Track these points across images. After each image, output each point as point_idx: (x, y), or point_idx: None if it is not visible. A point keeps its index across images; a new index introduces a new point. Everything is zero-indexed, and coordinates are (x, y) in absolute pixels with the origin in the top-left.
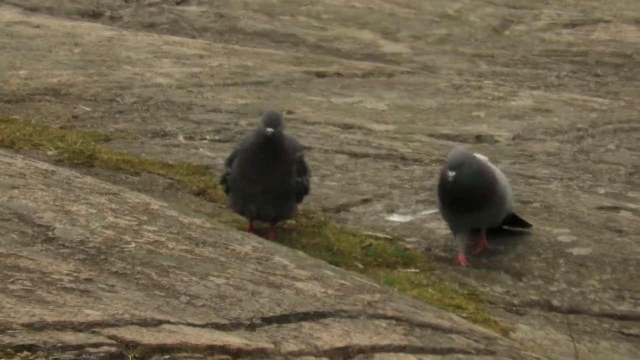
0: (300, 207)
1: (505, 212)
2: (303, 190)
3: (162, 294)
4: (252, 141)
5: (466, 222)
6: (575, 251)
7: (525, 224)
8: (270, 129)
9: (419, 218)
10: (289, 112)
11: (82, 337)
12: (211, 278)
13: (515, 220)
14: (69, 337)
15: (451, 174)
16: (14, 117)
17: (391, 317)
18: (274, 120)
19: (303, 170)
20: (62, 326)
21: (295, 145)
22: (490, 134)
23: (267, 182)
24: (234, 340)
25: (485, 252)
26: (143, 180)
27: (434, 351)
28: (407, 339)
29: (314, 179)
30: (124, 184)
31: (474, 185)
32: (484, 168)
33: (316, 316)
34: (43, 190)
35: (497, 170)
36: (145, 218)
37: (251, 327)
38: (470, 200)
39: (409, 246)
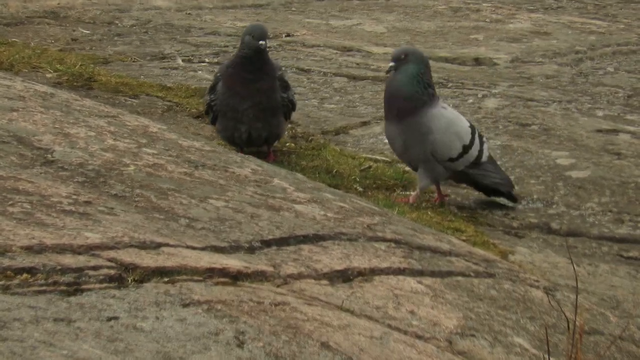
0: (299, 129)
1: (438, 166)
2: (290, 106)
3: (162, 216)
4: (238, 57)
5: (398, 144)
6: (574, 174)
7: (512, 198)
8: (262, 42)
9: None
10: (288, 35)
11: (81, 260)
12: (210, 201)
13: (499, 193)
14: (68, 260)
15: (390, 64)
16: (13, 39)
17: (390, 240)
18: (263, 33)
19: (286, 86)
20: (61, 249)
21: (276, 63)
22: (488, 57)
23: (254, 97)
24: (234, 262)
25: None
26: (142, 102)
27: (433, 274)
28: (406, 261)
29: (312, 102)
30: (122, 107)
31: (402, 87)
32: (424, 79)
33: (315, 239)
34: (42, 113)
35: (452, 122)
36: (144, 141)
37: (250, 249)
38: (392, 103)
39: (407, 169)
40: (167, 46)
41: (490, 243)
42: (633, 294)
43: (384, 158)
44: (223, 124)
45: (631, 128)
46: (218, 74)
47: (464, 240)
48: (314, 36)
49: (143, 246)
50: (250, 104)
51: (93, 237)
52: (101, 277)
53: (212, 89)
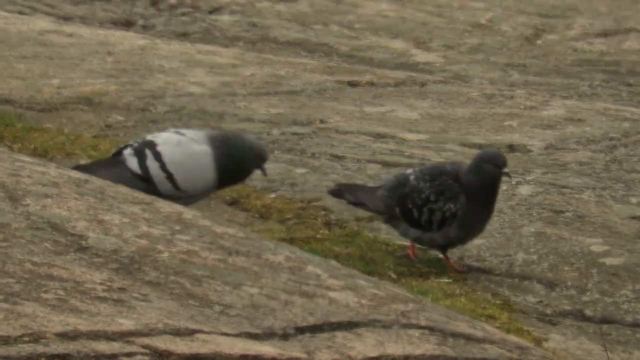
0: (332, 216)
1: None
2: None
3: (196, 303)
4: (482, 182)
5: None
6: (608, 261)
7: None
8: (506, 170)
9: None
10: (322, 122)
11: (115, 347)
12: (244, 287)
13: None
14: (103, 347)
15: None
16: (47, 125)
17: (424, 327)
18: (504, 159)
19: None
20: (95, 335)
21: None
22: (522, 144)
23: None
24: (268, 349)
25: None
26: None
27: None
28: (440, 348)
29: None
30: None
31: None
32: None
33: (349, 326)
34: (76, 199)
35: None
36: (178, 227)
37: (284, 336)
38: None
39: (441, 255)
40: None
41: (524, 330)
42: None
43: (417, 245)
44: (454, 233)
45: None
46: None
47: (497, 327)
48: (347, 123)
49: (177, 333)
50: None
51: (127, 323)
52: None
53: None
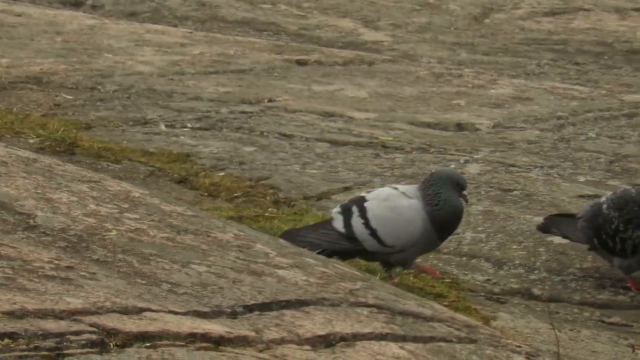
0: (281, 194)
1: None
2: None
3: (144, 281)
4: None
5: None
6: (556, 239)
7: None
8: None
9: None
10: (270, 100)
11: (63, 325)
12: (193, 266)
13: None
14: (50, 325)
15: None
16: None
17: (373, 306)
18: None
19: None
20: (43, 314)
21: None
22: (470, 122)
23: None
24: (216, 328)
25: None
26: (124, 168)
27: (415, 339)
28: (389, 327)
29: (295, 167)
30: (105, 172)
31: None
32: None
33: (298, 304)
34: (24, 178)
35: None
36: (126, 206)
37: (233, 315)
38: None
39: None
40: (150, 111)
41: (472, 309)
42: (614, 359)
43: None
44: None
45: None
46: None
47: (446, 306)
48: (296, 101)
49: (125, 311)
50: None
51: (75, 302)
52: (83, 342)
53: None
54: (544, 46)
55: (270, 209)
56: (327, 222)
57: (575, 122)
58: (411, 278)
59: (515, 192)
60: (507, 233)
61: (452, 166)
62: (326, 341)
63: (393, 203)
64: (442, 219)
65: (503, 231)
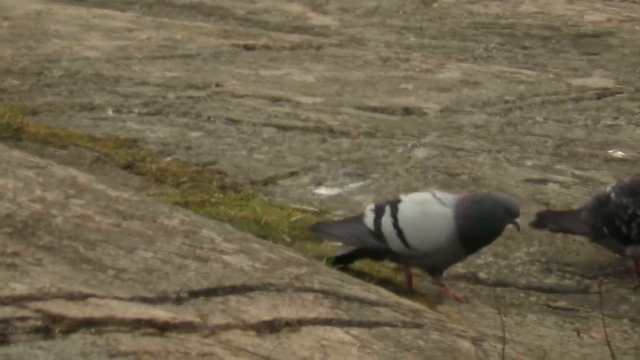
0: (227, 180)
1: None
2: None
3: (89, 267)
4: None
5: None
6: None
7: None
8: None
9: (346, 191)
10: (217, 85)
11: (8, 311)
12: (138, 252)
13: None
14: None
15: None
16: None
17: (318, 291)
18: None
19: None
20: None
21: None
22: (418, 107)
23: None
24: (161, 313)
25: None
26: (70, 153)
27: (361, 324)
28: (334, 312)
29: (241, 152)
30: (51, 158)
31: None
32: None
33: (243, 290)
34: None
35: None
36: (72, 191)
37: (178, 300)
38: None
39: (336, 219)
40: (97, 97)
41: (417, 293)
42: (560, 344)
43: (312, 208)
44: None
45: (560, 178)
46: None
47: (391, 291)
48: (243, 86)
49: (70, 297)
50: None
51: (20, 288)
52: (28, 328)
53: None
54: (492, 30)
55: (216, 194)
56: (359, 218)
57: (522, 106)
58: (356, 263)
59: (462, 176)
60: None
61: (400, 151)
62: (271, 326)
63: (425, 207)
64: (472, 233)
65: None
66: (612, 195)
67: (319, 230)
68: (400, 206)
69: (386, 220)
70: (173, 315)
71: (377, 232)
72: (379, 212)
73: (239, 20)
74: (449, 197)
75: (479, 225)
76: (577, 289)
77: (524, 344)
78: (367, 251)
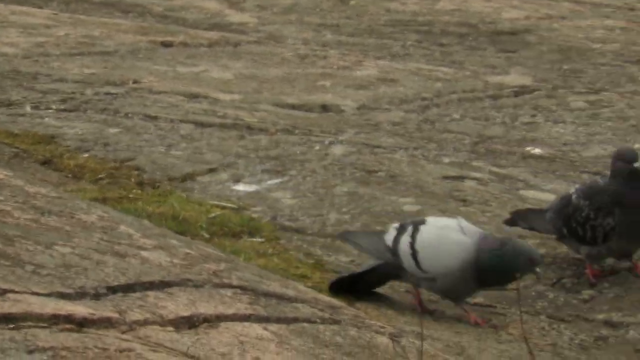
0: (145, 176)
1: None
2: None
3: (7, 263)
4: (626, 184)
5: None
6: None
7: None
8: (637, 164)
9: (264, 187)
10: (135, 82)
11: None
12: (56, 247)
13: None
14: None
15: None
16: None
17: (236, 287)
18: (634, 155)
19: None
20: None
21: None
22: (335, 104)
23: None
24: (79, 309)
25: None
26: None
27: (279, 320)
28: (252, 308)
29: (159, 148)
30: None
31: None
32: None
33: (161, 285)
34: None
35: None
36: None
37: (96, 296)
38: None
39: (254, 215)
40: (14, 93)
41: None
42: (478, 340)
43: (230, 205)
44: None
45: (477, 175)
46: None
47: (310, 287)
48: (161, 83)
49: None
50: None
51: None
52: None
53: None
54: (409, 27)
55: (134, 191)
56: (382, 232)
57: (439, 104)
58: (275, 259)
59: (380, 173)
60: (372, 214)
61: (317, 148)
62: (189, 322)
63: (444, 233)
64: (490, 269)
65: (368, 212)
66: (574, 196)
67: (345, 237)
68: (422, 227)
69: (405, 239)
70: (91, 311)
71: (394, 250)
72: (401, 230)
73: (156, 17)
74: (472, 229)
75: (501, 267)
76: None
77: (442, 340)
78: (382, 269)
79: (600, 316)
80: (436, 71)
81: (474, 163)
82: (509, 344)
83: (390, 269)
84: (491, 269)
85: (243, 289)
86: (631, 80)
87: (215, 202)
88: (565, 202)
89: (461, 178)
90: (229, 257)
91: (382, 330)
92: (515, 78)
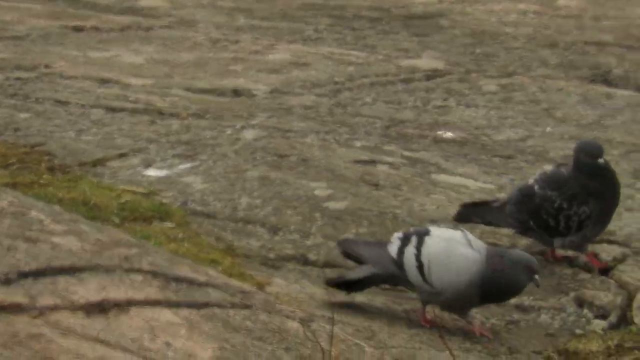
0: (56, 161)
1: None
2: None
3: None
4: (591, 175)
5: None
6: (332, 205)
7: None
8: (601, 160)
9: (175, 172)
10: (46, 67)
11: None
12: None
13: None
14: None
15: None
16: None
17: (147, 272)
18: (599, 150)
19: None
20: None
21: None
22: (247, 88)
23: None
24: None
25: (242, 206)
26: None
27: (189, 305)
28: (163, 293)
29: (70, 134)
30: None
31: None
32: None
33: (72, 270)
34: None
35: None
36: None
37: (7, 282)
38: None
39: (165, 200)
40: None
41: (247, 274)
42: (388, 324)
43: (141, 190)
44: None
45: (389, 159)
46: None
47: (220, 272)
48: (71, 68)
49: None
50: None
51: None
52: None
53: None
54: (322, 12)
55: (45, 176)
56: (385, 244)
57: (352, 88)
58: (186, 244)
59: (291, 157)
60: (283, 199)
61: (228, 132)
62: (100, 307)
63: (451, 246)
64: (495, 287)
65: (279, 197)
66: (536, 187)
67: (345, 247)
68: (427, 239)
69: (409, 250)
70: (1, 297)
71: (399, 261)
72: (405, 241)
73: (68, 1)
74: (479, 243)
75: (506, 283)
76: None
77: (352, 324)
78: (383, 278)
79: (512, 300)
80: (348, 55)
81: (386, 147)
82: (420, 329)
83: (391, 277)
84: (500, 286)
85: (154, 274)
86: (543, 64)
87: (126, 187)
88: (526, 193)
89: (373, 162)
90: (139, 242)
91: (292, 315)
92: (427, 62)
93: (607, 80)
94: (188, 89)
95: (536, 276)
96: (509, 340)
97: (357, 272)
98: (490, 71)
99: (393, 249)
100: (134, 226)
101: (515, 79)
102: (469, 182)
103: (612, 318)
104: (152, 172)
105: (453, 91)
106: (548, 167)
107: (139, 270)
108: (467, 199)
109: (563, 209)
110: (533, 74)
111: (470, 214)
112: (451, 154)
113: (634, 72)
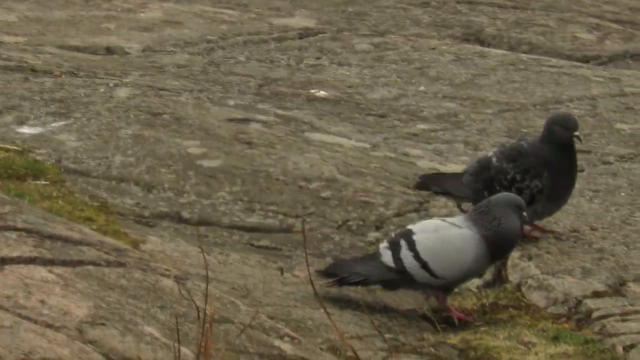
0: None
1: None
2: None
3: None
4: (555, 148)
5: None
6: (206, 163)
7: None
8: (577, 133)
9: (49, 130)
10: None
11: None
12: None
13: None
14: None
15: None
16: None
17: (21, 229)
18: (575, 123)
19: None
20: None
21: None
22: (120, 46)
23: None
24: None
25: (116, 164)
26: None
27: (64, 263)
28: (37, 250)
29: None
30: None
31: None
32: None
33: None
34: None
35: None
36: None
37: None
38: None
39: (39, 158)
40: None
41: (121, 232)
42: (263, 282)
43: (14, 147)
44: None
45: (262, 117)
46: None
47: (95, 230)
48: None
49: None
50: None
51: None
52: None
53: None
54: None
55: None
56: (375, 257)
57: (225, 46)
58: (60, 202)
59: (165, 116)
60: (157, 157)
61: (102, 90)
62: None
63: (443, 234)
64: (501, 242)
65: (153, 155)
66: (494, 159)
67: (337, 268)
68: (416, 238)
69: (406, 255)
70: None
71: (400, 269)
72: (394, 247)
73: None
74: (459, 219)
75: (505, 233)
76: (280, 228)
77: (227, 282)
78: (383, 282)
79: (387, 257)
80: (221, 13)
81: (259, 105)
82: (294, 286)
83: (389, 283)
84: (502, 239)
85: (28, 231)
86: (415, 23)
87: (7, 146)
88: (484, 164)
89: (246, 120)
90: (13, 199)
91: (167, 273)
92: (299, 20)
93: (479, 39)
94: (61, 47)
95: (524, 213)
96: (385, 299)
97: (356, 278)
98: (362, 30)
99: (387, 259)
100: (7, 184)
101: (388, 38)
102: (343, 141)
103: (487, 276)
104: (25, 130)
105: (326, 50)
106: (510, 140)
107: (13, 228)
108: (340, 158)
109: (516, 181)
110: (406, 32)
111: (429, 182)
112: (325, 113)
113: (507, 31)
